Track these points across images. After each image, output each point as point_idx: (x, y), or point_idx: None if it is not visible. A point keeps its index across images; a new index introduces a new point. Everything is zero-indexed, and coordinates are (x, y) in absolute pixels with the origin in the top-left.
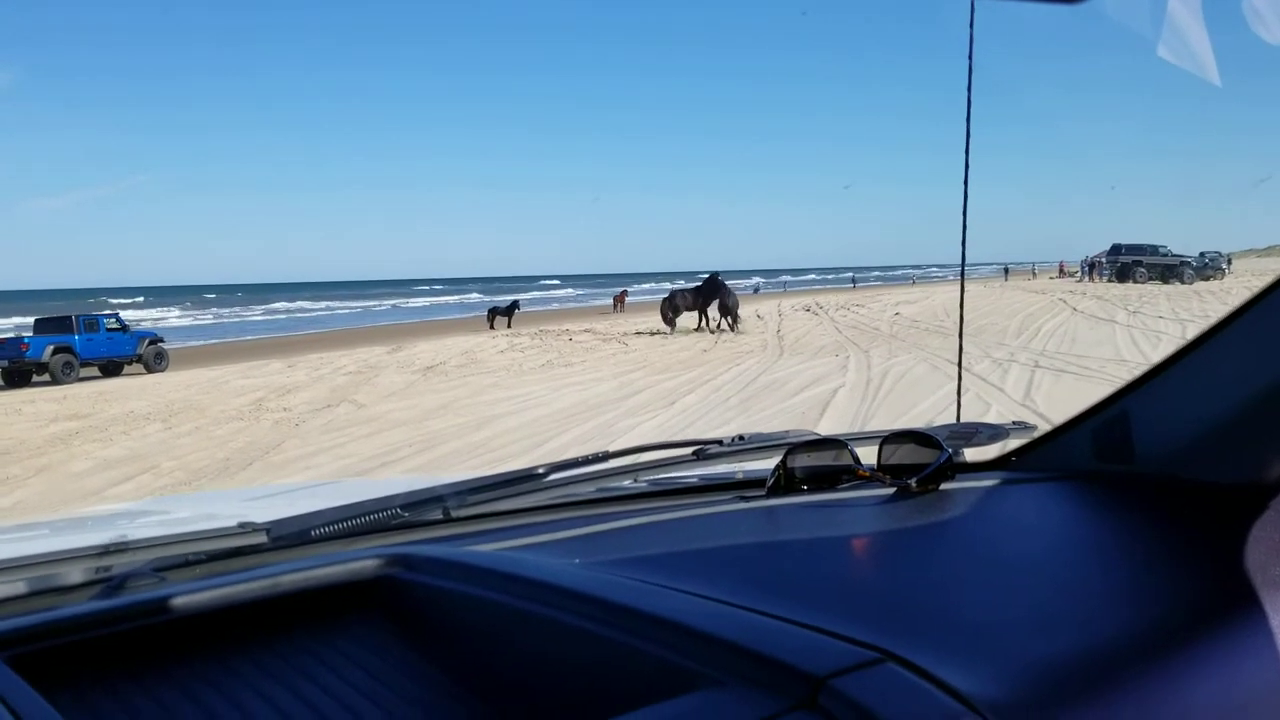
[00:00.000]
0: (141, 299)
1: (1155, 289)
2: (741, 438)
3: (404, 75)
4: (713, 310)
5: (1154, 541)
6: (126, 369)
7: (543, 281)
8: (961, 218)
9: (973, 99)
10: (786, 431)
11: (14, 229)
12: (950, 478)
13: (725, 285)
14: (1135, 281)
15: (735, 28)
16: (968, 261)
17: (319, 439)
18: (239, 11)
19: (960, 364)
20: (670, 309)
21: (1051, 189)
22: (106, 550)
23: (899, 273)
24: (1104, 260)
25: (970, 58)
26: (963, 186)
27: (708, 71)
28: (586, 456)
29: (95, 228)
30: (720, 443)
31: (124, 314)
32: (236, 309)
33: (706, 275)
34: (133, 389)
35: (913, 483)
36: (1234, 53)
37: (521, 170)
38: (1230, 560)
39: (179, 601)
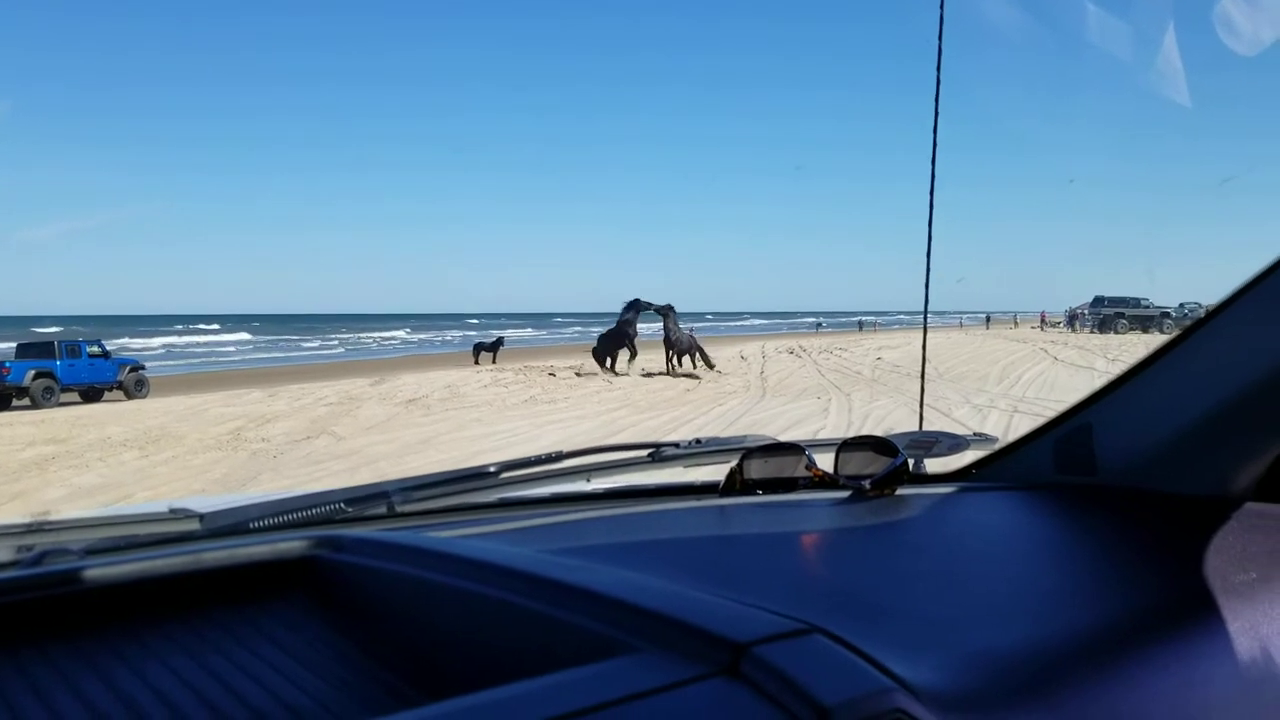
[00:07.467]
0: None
1: (1135, 338)
2: (698, 441)
3: (400, 121)
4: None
5: (1114, 547)
6: (107, 395)
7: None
8: (925, 258)
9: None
10: (744, 436)
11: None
12: (907, 484)
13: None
14: (1116, 332)
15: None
16: (951, 310)
17: (296, 471)
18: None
19: (924, 372)
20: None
21: (1034, 240)
22: (29, 529)
23: (903, 317)
24: (1086, 311)
25: (935, 121)
26: (927, 230)
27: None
28: (540, 456)
29: (80, 256)
30: (677, 445)
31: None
32: (214, 339)
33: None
34: (111, 415)
35: (867, 484)
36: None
37: (513, 209)
38: (1190, 567)
39: (92, 574)
